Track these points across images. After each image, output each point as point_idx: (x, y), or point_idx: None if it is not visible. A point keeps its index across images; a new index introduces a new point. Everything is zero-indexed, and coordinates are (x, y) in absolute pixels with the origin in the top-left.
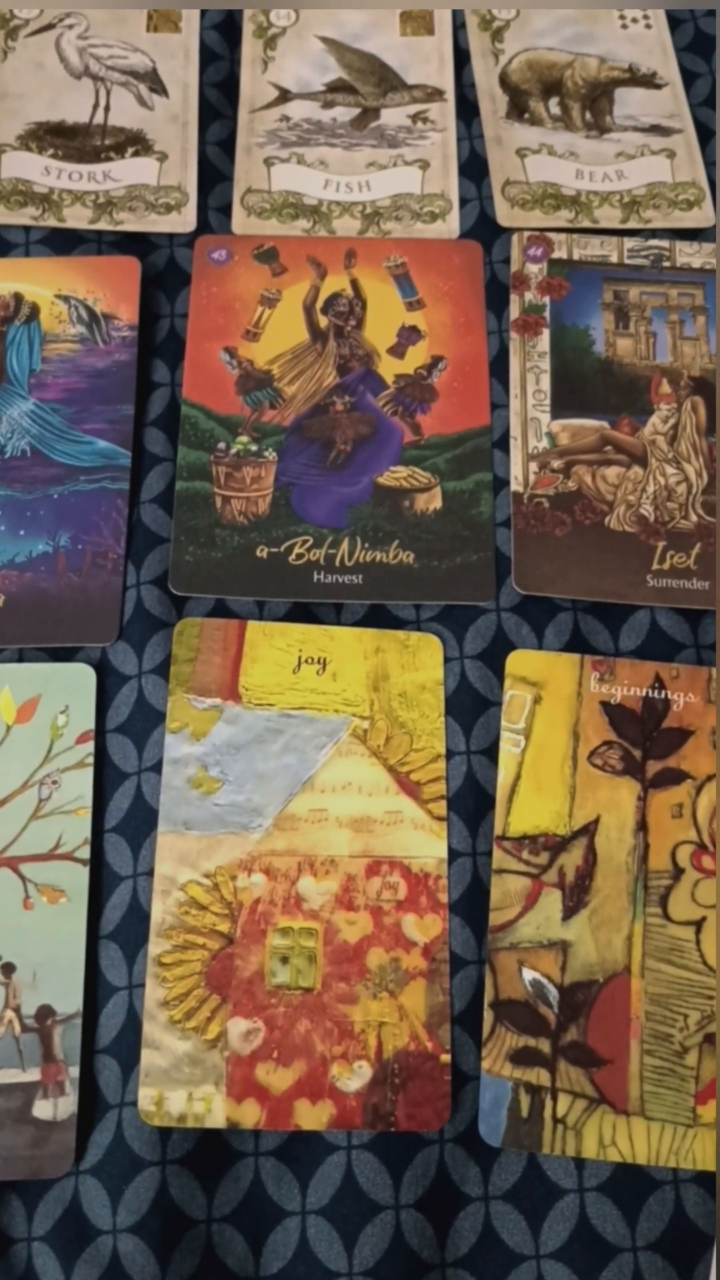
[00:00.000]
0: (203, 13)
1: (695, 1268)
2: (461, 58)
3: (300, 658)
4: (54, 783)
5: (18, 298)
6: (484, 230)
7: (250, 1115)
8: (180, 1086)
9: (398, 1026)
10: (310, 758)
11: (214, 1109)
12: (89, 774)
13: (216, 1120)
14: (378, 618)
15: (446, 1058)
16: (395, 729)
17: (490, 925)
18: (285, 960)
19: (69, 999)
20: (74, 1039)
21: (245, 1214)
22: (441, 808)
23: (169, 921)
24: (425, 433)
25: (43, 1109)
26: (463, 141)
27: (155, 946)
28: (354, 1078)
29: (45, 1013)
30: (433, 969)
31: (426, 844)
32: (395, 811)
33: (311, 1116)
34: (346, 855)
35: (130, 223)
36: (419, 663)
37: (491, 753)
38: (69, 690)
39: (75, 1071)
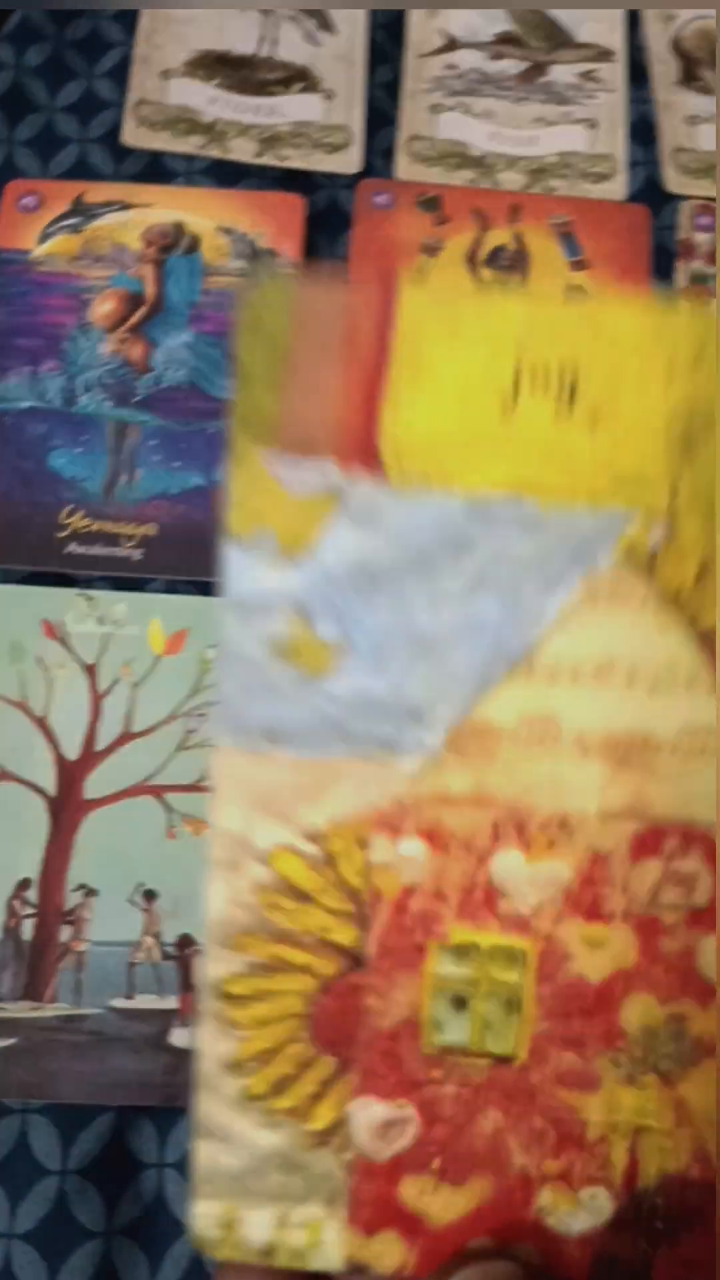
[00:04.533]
0: None
1: None
2: (633, 19)
3: (519, 368)
4: (201, 716)
5: (179, 227)
6: (652, 196)
7: (389, 1253)
8: (265, 1203)
9: (671, 1135)
10: (529, 605)
11: (325, 1242)
12: None
13: (329, 1259)
14: None
15: None
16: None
17: None
18: (462, 1004)
19: None
20: None
21: None
22: None
23: (241, 921)
24: None
25: (180, 1036)
26: (632, 104)
27: (218, 965)
28: (582, 1212)
29: (185, 942)
30: None
31: None
32: (707, 729)
33: None
34: (595, 812)
35: (295, 159)
36: None
37: None
38: (219, 625)
39: None
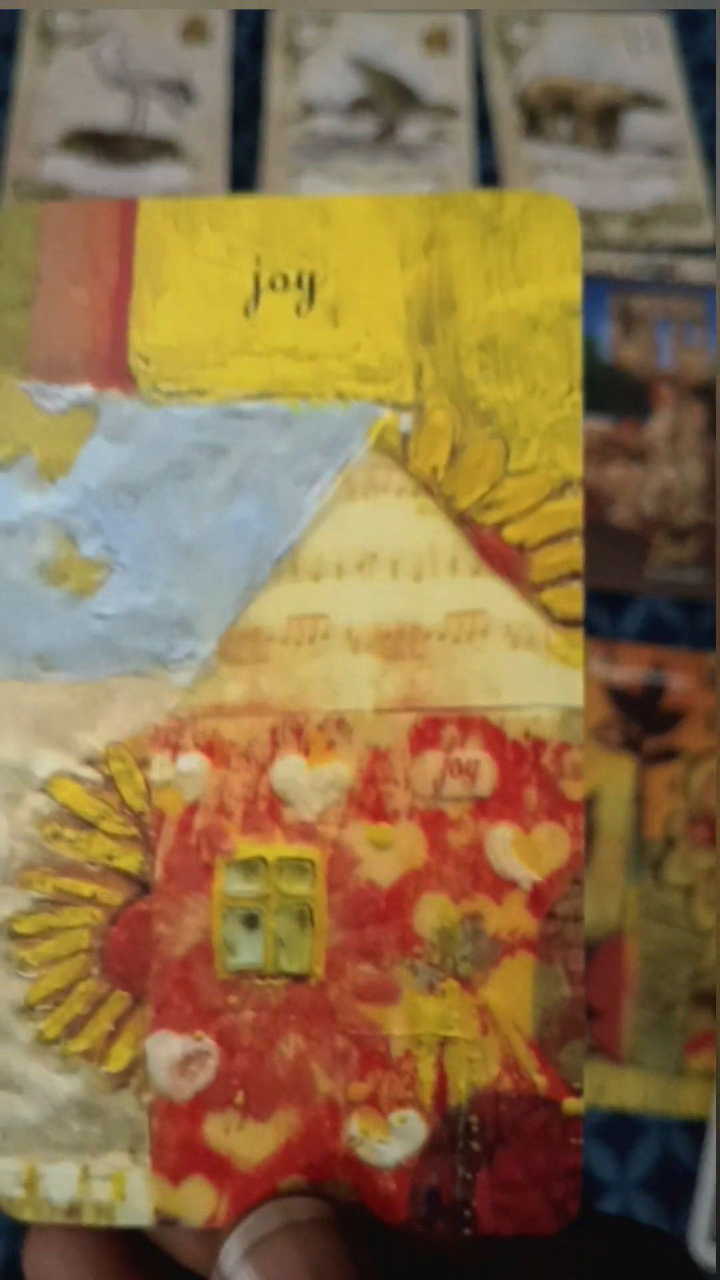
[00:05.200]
0: (234, 25)
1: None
2: (479, 78)
3: (259, 274)
4: None
5: None
6: None
7: (200, 1204)
8: (66, 1156)
9: (477, 1045)
10: (288, 503)
11: (131, 1194)
12: None
13: (137, 1213)
14: None
15: (575, 1104)
16: (473, 425)
17: None
18: (253, 923)
19: None
20: None
21: None
22: (573, 598)
23: (24, 855)
24: None
25: None
26: (479, 157)
27: (3, 903)
28: (393, 1139)
29: None
30: (551, 934)
31: (541, 677)
32: (474, 610)
33: None
34: (370, 708)
35: None
36: (526, 260)
37: None
38: None
39: None
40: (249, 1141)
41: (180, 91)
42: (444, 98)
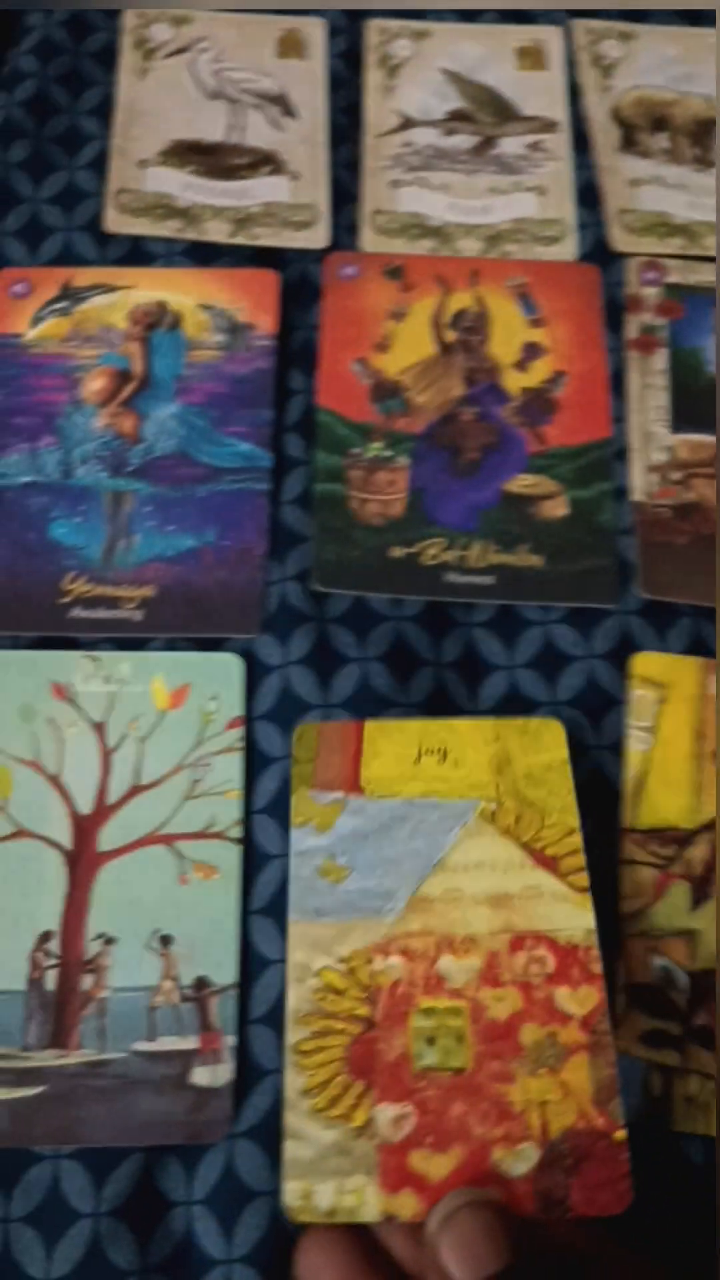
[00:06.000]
0: (330, 39)
1: None
2: (574, 93)
3: (420, 750)
4: (206, 765)
5: (162, 306)
6: (599, 255)
7: (408, 1206)
8: (329, 1178)
9: (562, 1104)
10: (439, 840)
11: (367, 1200)
12: (239, 758)
13: (370, 1213)
14: (506, 625)
15: (621, 1134)
16: (524, 808)
17: (621, 913)
18: (432, 1041)
19: (224, 970)
20: (230, 1009)
21: None
22: (583, 879)
23: (305, 1009)
24: (549, 443)
25: (201, 1075)
26: (577, 171)
27: (293, 1034)
28: (520, 1161)
29: (202, 983)
30: (594, 1041)
31: (571, 915)
32: (534, 886)
33: None
34: (486, 932)
35: (266, 237)
36: (541, 745)
37: (616, 749)
38: (218, 678)
39: (232, 1040)
40: (435, 1166)
41: (279, 104)
42: (540, 111)
